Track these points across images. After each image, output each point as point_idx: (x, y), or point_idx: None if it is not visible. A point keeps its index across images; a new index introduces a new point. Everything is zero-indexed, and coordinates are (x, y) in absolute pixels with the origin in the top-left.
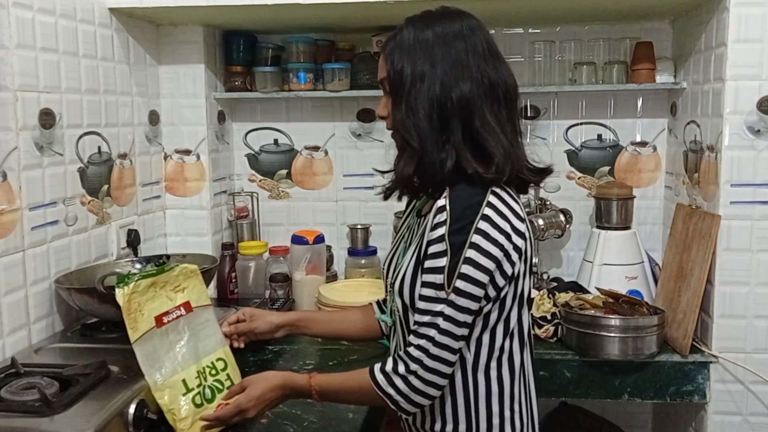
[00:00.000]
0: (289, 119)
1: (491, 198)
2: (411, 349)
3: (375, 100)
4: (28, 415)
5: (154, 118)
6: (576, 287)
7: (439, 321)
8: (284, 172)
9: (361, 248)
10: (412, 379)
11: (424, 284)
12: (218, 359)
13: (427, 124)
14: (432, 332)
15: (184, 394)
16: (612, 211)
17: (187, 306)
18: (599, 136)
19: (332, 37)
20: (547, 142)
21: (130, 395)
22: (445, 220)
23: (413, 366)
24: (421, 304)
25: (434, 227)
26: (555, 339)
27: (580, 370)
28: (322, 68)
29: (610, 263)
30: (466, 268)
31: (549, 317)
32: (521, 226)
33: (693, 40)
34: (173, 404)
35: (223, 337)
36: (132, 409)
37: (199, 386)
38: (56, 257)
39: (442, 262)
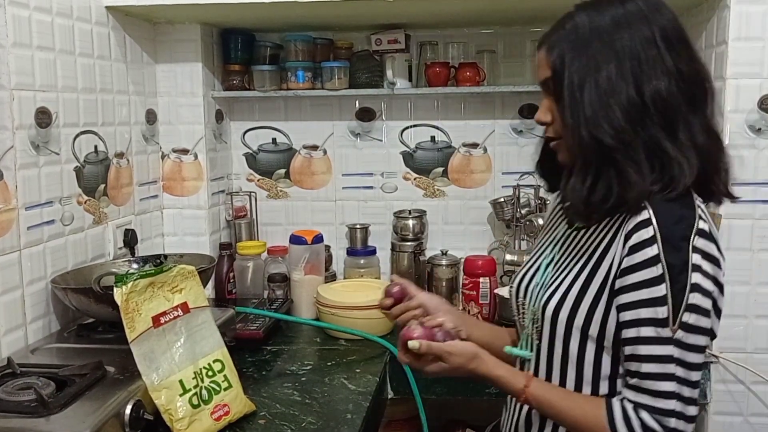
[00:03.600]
0: (288, 118)
1: (700, 210)
2: (659, 418)
3: (374, 98)
4: (24, 415)
5: (151, 117)
6: None
7: (671, 368)
8: (282, 171)
9: (360, 248)
10: None
11: (638, 322)
12: (215, 360)
13: (608, 132)
14: (671, 386)
15: (181, 395)
16: None
17: (184, 307)
18: None
19: (331, 36)
20: None
21: (126, 396)
22: (654, 237)
23: None
24: (639, 348)
25: (636, 246)
26: None
27: None
28: (321, 67)
29: None
30: (694, 297)
31: None
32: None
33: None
34: (170, 405)
35: (220, 339)
36: (128, 410)
37: (196, 387)
38: (52, 257)
39: (662, 290)
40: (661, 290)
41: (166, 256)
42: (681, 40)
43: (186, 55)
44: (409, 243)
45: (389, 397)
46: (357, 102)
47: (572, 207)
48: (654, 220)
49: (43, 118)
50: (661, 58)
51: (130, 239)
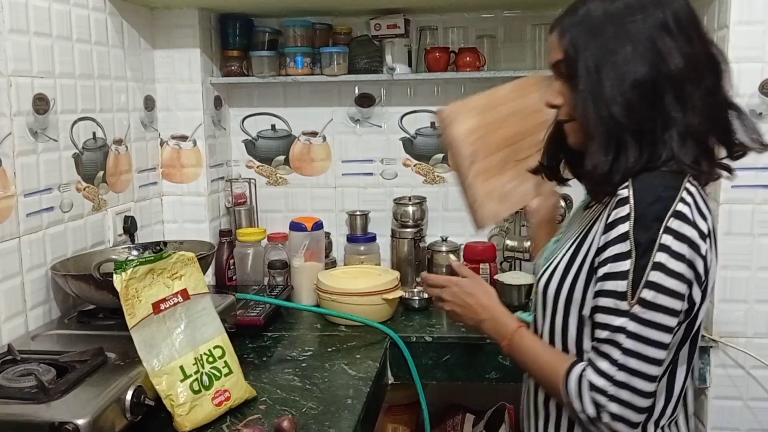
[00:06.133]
0: (287, 104)
1: (685, 193)
2: (593, 377)
3: (373, 84)
4: (25, 401)
5: (149, 103)
6: None
7: (621, 338)
8: (282, 158)
9: (360, 235)
10: (602, 413)
11: (603, 293)
12: (216, 347)
13: (626, 111)
14: (615, 353)
15: (181, 381)
16: None
17: (184, 293)
18: None
19: (330, 21)
20: None
21: (127, 381)
22: (629, 215)
23: (601, 399)
24: (599, 317)
25: (613, 223)
26: None
27: None
28: (320, 52)
29: None
30: (654, 275)
31: None
32: (705, 230)
33: None
34: (171, 390)
35: (220, 325)
36: (129, 396)
37: (196, 373)
38: (52, 244)
39: (626, 265)
40: (625, 265)
41: (165, 243)
42: (693, 24)
43: (184, 41)
44: (409, 229)
45: (389, 382)
46: (356, 88)
47: (596, 182)
48: (632, 199)
49: (41, 104)
50: (674, 42)
51: (129, 226)
